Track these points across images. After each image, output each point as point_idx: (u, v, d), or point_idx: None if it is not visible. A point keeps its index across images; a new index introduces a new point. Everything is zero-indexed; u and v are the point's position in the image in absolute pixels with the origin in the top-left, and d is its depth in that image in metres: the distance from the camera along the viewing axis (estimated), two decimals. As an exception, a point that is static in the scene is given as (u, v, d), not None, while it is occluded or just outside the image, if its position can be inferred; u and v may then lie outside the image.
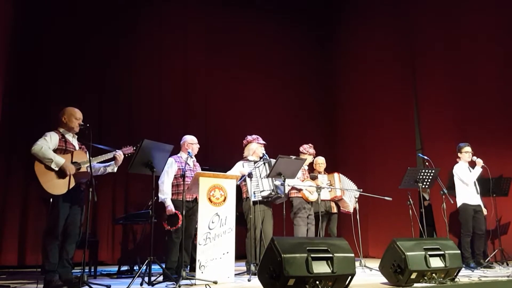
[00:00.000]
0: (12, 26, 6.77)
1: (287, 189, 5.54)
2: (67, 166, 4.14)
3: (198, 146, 5.31)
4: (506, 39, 7.09)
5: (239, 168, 5.49)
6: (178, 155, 5.19)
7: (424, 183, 5.78)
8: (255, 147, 5.66)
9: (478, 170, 6.06)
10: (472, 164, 6.16)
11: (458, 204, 6.07)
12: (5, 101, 6.57)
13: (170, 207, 4.87)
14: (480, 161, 6.07)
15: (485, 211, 6.13)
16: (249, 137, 5.76)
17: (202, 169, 5.36)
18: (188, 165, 5.04)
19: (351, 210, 6.36)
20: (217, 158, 7.87)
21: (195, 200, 5.07)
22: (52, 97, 7.32)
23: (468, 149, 6.18)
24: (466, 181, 6.05)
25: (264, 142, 5.71)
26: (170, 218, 4.86)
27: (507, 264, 6.08)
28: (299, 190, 5.96)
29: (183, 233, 4.65)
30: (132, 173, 4.89)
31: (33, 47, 7.48)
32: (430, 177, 5.77)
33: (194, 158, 5.33)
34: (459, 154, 6.23)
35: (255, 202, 5.26)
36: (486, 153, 6.26)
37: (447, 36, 7.70)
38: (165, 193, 4.93)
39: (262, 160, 5.51)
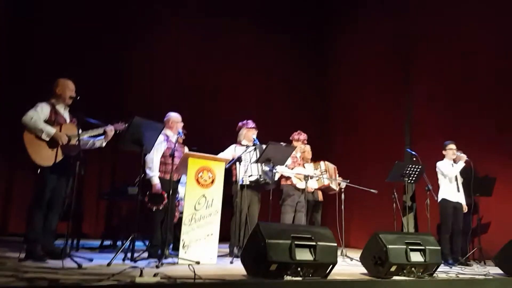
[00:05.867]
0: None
1: (276, 176, 5.56)
2: (59, 135, 4.12)
3: (182, 124, 5.22)
4: (499, 37, 7.13)
5: (231, 152, 5.51)
6: (164, 132, 4.99)
7: (410, 178, 5.86)
8: (244, 132, 5.70)
9: (461, 164, 6.12)
10: (457, 162, 6.23)
11: (439, 200, 6.15)
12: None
13: (158, 186, 4.84)
14: (464, 156, 6.12)
15: (465, 208, 6.19)
16: (239, 123, 5.80)
17: (191, 150, 5.34)
18: (175, 144, 4.98)
19: (337, 189, 6.42)
20: (210, 141, 7.85)
21: (178, 180, 5.11)
22: (41, 68, 7.21)
23: (452, 146, 6.23)
24: (448, 174, 6.11)
25: (253, 126, 5.71)
26: (153, 197, 4.78)
27: (485, 263, 6.19)
28: (287, 177, 5.99)
29: (168, 212, 4.65)
30: (121, 149, 4.85)
31: (26, 22, 7.34)
32: (417, 173, 5.83)
33: (183, 138, 5.32)
34: (443, 152, 6.29)
35: (242, 186, 5.29)
36: (473, 152, 6.32)
37: (440, 34, 7.75)
38: (153, 170, 4.87)
39: (253, 145, 5.53)
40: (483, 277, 4.41)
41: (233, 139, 5.76)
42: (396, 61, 8.43)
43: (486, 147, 6.93)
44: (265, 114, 8.57)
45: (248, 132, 5.66)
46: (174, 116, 5.21)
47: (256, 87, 9.22)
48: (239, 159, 5.27)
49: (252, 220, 5.36)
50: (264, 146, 5.18)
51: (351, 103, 9.26)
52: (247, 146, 5.57)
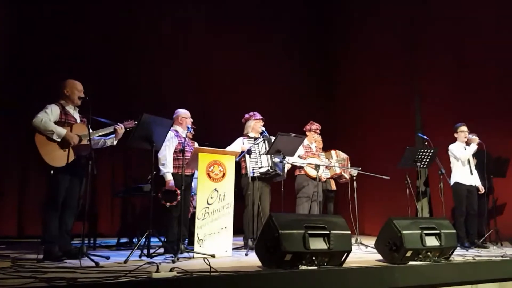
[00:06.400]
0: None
1: (286, 166, 5.54)
2: (70, 135, 4.16)
3: (191, 120, 5.26)
4: (507, 20, 7.01)
5: (240, 144, 5.51)
6: (173, 129, 5.06)
7: (423, 163, 5.81)
8: (252, 123, 5.69)
9: (473, 146, 6.05)
10: (469, 144, 6.17)
11: (451, 183, 6.10)
12: (6, 70, 6.53)
13: (172, 182, 4.86)
14: (476, 138, 6.05)
15: (482, 189, 6.12)
16: (246, 115, 5.80)
17: (201, 145, 5.36)
18: (185, 139, 5.01)
19: (348, 177, 6.42)
20: (216, 133, 7.86)
21: (193, 175, 5.12)
22: (49, 69, 7.27)
23: (463, 128, 6.15)
24: (460, 158, 6.04)
25: (261, 118, 5.71)
26: (167, 194, 4.82)
27: (501, 245, 6.15)
28: (300, 167, 5.99)
29: (182, 207, 4.68)
30: (132, 147, 4.89)
31: (30, 19, 7.37)
32: (429, 157, 5.79)
33: (192, 133, 5.34)
34: (455, 135, 6.21)
35: (253, 178, 5.29)
36: (485, 134, 6.26)
37: (449, 15, 7.64)
38: (167, 167, 4.91)
39: (262, 136, 5.52)
40: (501, 258, 4.38)
41: (242, 132, 5.76)
42: (405, 45, 8.35)
43: (497, 128, 6.85)
44: (273, 105, 8.53)
45: (256, 124, 5.66)
46: (182, 113, 5.24)
47: (263, 79, 9.18)
48: (249, 152, 5.27)
49: (264, 211, 5.38)
50: (272, 138, 5.18)
51: (360, 90, 9.20)
52: (255, 138, 5.57)
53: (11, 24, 6.87)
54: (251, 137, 5.61)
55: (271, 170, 5.38)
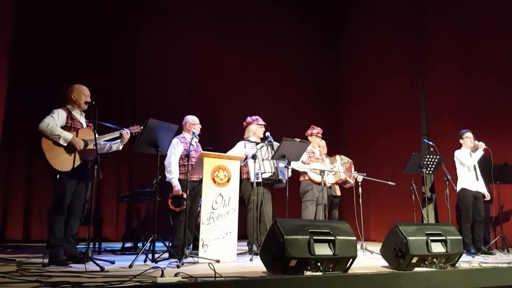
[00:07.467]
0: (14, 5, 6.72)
1: (290, 171, 5.53)
2: (76, 140, 4.18)
3: (200, 127, 5.31)
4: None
5: (242, 149, 5.47)
6: (181, 135, 5.19)
7: (428, 169, 5.79)
8: (254, 128, 5.66)
9: (479, 152, 6.02)
10: (475, 150, 6.14)
11: (457, 190, 6.07)
12: (9, 76, 6.57)
13: (178, 187, 4.90)
14: (482, 144, 6.03)
15: (487, 196, 6.09)
16: (248, 118, 5.76)
17: (206, 150, 5.36)
18: (192, 145, 5.05)
19: (353, 182, 6.40)
20: (219, 138, 7.87)
21: (201, 181, 5.13)
22: (56, 75, 7.31)
23: (469, 134, 6.13)
24: (466, 164, 6.01)
25: (264, 123, 5.70)
26: (175, 199, 4.88)
27: (508, 251, 6.11)
28: (303, 172, 5.97)
29: (187, 212, 4.69)
30: (137, 152, 4.91)
31: (36, 25, 7.42)
32: (435, 163, 5.77)
33: (197, 139, 5.36)
34: (460, 141, 6.19)
35: (258, 183, 5.28)
36: (491, 140, 6.23)
37: (456, 20, 7.63)
38: (173, 173, 4.95)
39: (265, 142, 5.51)
40: (507, 265, 4.34)
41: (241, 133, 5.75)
42: (411, 51, 8.33)
43: (503, 134, 6.82)
44: (276, 109, 8.54)
45: (259, 129, 5.65)
46: (190, 119, 5.29)
47: (267, 83, 9.18)
48: (254, 157, 5.26)
49: (267, 217, 5.35)
50: (276, 143, 5.17)
51: (365, 95, 9.18)
52: (257, 143, 5.55)
53: (16, 26, 6.91)
54: (253, 142, 5.59)
55: (273, 176, 5.36)
